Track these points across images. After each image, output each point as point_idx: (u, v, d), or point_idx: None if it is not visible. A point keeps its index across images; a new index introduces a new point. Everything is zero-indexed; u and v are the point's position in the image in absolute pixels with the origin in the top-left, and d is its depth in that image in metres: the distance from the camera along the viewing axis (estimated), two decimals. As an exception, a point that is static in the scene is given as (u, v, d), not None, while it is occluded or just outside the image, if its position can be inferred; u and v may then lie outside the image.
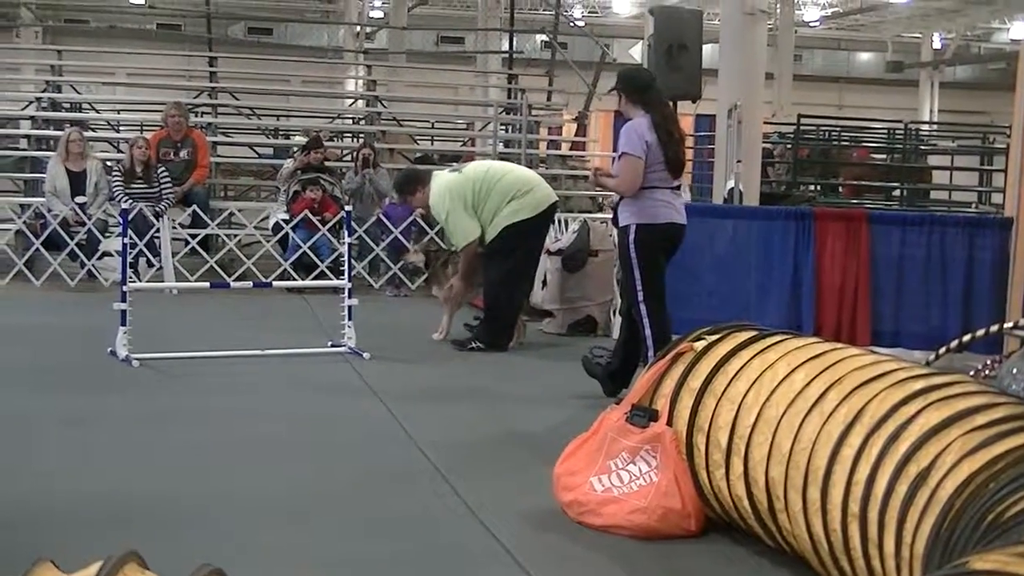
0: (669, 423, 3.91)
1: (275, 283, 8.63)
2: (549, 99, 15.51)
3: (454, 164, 9.40)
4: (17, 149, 12.88)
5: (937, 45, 33.27)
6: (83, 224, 9.92)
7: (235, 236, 10.65)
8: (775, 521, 3.49)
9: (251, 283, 8.75)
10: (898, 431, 3.03)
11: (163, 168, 10.44)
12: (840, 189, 17.05)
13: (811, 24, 31.73)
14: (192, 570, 1.95)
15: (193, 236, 10.34)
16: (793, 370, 3.57)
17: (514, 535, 3.85)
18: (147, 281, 9.45)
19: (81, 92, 14.27)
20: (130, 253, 7.48)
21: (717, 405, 3.75)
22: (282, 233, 10.36)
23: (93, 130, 13.19)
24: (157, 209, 10.13)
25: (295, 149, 11.73)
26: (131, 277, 7.46)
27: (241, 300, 9.19)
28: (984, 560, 2.13)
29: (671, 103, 6.60)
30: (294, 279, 9.62)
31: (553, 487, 4.13)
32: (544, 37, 19.64)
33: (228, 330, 7.86)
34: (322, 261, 10.09)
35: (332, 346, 7.31)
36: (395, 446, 5.06)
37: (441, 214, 7.67)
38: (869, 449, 3.07)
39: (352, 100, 17.84)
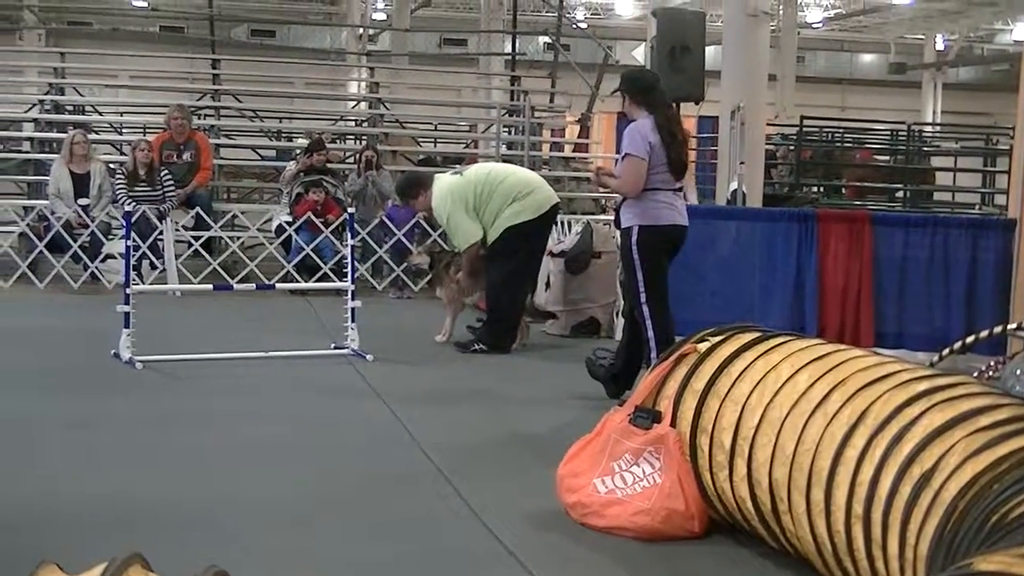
0: (672, 424, 3.91)
1: (278, 285, 8.62)
2: (552, 101, 15.49)
3: (456, 167, 9.41)
4: (20, 152, 12.91)
5: (940, 46, 33.30)
6: (86, 226, 9.93)
7: (238, 238, 10.65)
8: (779, 522, 3.49)
9: (254, 285, 8.78)
10: (902, 432, 3.03)
11: (166, 170, 10.45)
12: (843, 191, 17.03)
13: (814, 26, 31.71)
14: (197, 572, 1.96)
15: (196, 238, 10.33)
16: (797, 371, 3.57)
17: (517, 537, 3.86)
18: (150, 283, 9.47)
19: (84, 94, 14.26)
20: (133, 255, 7.48)
21: (721, 406, 3.75)
22: (285, 235, 10.38)
23: (96, 132, 13.17)
24: (160, 211, 10.14)
25: (298, 151, 11.72)
26: (134, 279, 7.47)
27: (244, 302, 9.20)
28: (988, 561, 2.13)
29: (674, 105, 6.60)
30: (297, 281, 9.61)
31: (556, 489, 4.13)
32: (547, 39, 19.62)
33: (231, 332, 7.86)
34: (325, 263, 10.10)
35: (335, 348, 7.31)
36: (398, 448, 5.06)
37: (443, 217, 7.68)
38: (873, 450, 3.07)
39: (355, 102, 17.86)
